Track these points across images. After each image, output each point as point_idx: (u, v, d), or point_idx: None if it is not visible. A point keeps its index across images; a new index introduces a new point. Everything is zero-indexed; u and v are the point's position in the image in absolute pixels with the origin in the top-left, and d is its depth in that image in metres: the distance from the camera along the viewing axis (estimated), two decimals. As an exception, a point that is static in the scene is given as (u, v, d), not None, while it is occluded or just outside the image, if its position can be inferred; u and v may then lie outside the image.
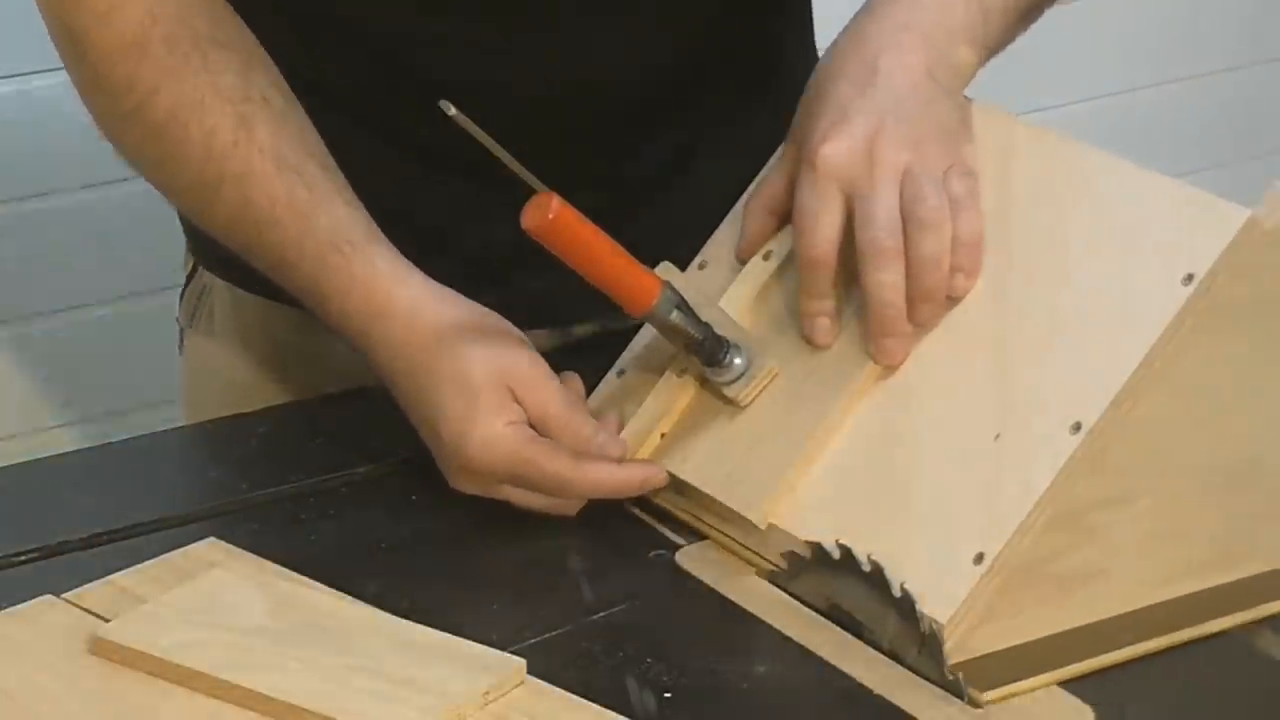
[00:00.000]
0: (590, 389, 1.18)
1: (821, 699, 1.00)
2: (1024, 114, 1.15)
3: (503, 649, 0.99)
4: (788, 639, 1.04)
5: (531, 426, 1.11)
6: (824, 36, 1.19)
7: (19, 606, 1.02)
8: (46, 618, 1.02)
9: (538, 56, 1.25)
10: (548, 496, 1.12)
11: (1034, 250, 1.08)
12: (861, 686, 1.00)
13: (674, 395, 1.15)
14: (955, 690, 0.99)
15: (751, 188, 1.17)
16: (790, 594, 1.07)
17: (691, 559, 1.11)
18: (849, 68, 1.12)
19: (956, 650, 0.99)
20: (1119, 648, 1.02)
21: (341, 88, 1.26)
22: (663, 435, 1.15)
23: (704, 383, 1.14)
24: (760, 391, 1.12)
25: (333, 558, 1.09)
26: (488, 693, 0.95)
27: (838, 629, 1.04)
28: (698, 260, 1.19)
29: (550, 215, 1.05)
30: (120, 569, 1.06)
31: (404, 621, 1.01)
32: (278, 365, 1.37)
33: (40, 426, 2.08)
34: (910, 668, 1.01)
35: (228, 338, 1.39)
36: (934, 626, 0.99)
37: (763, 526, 1.08)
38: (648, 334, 1.17)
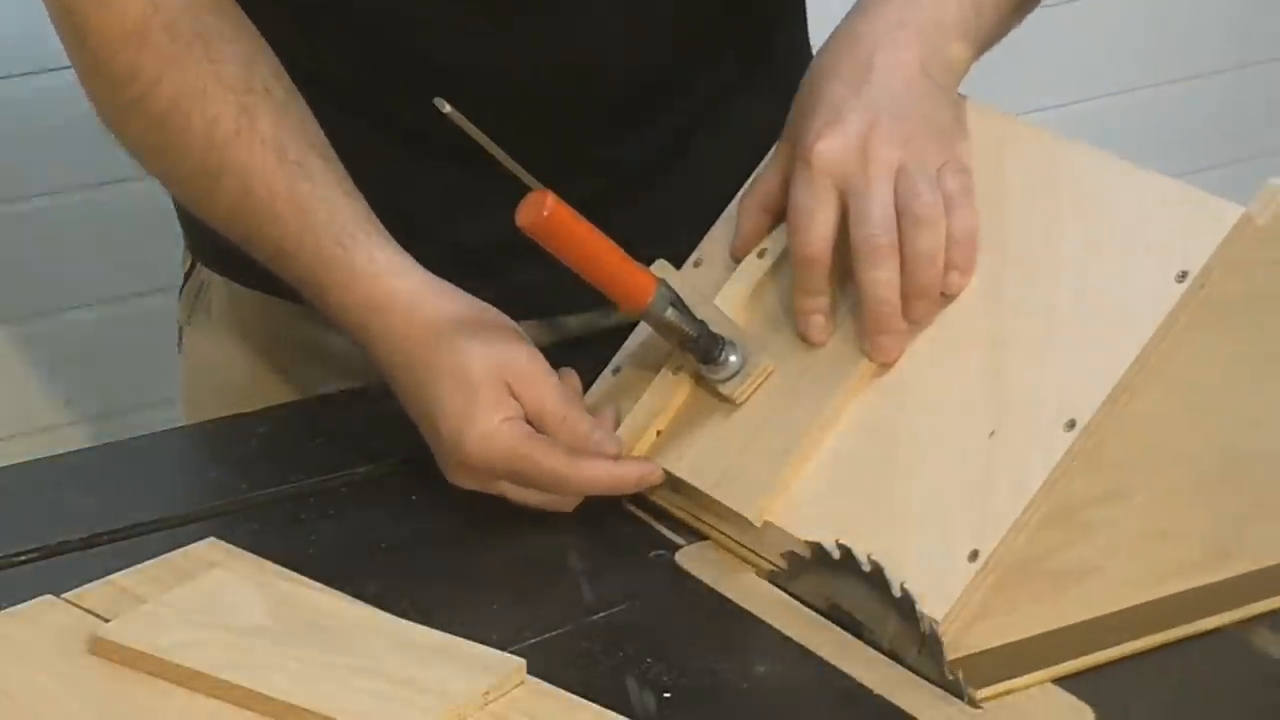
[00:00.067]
0: (587, 385, 1.18)
1: (821, 699, 1.00)
2: (1020, 114, 1.15)
3: (503, 649, 0.99)
4: (788, 639, 1.04)
5: (528, 422, 1.12)
6: (819, 36, 1.19)
7: (19, 606, 1.02)
8: (46, 618, 1.02)
9: (533, 41, 1.25)
10: (544, 493, 1.12)
11: (1028, 247, 1.08)
12: (861, 686, 1.00)
13: (669, 393, 1.15)
14: (955, 690, 0.99)
15: (746, 185, 1.17)
16: (790, 594, 1.07)
17: (691, 559, 1.11)
18: (843, 66, 1.12)
19: (951, 647, 0.99)
20: (1114, 645, 1.02)
21: (341, 79, 1.26)
22: (658, 433, 1.15)
23: (699, 380, 1.14)
24: (755, 389, 1.12)
25: (333, 558, 1.09)
26: (488, 693, 0.95)
27: (838, 629, 1.04)
28: (693, 258, 1.19)
29: (545, 213, 1.05)
30: (120, 569, 1.06)
31: (404, 621, 1.01)
32: (276, 359, 1.37)
33: (40, 426, 2.08)
34: (910, 668, 1.01)
35: (226, 332, 1.39)
36: (934, 627, 0.99)
37: (758, 524, 1.08)
38: (643, 331, 1.17)
